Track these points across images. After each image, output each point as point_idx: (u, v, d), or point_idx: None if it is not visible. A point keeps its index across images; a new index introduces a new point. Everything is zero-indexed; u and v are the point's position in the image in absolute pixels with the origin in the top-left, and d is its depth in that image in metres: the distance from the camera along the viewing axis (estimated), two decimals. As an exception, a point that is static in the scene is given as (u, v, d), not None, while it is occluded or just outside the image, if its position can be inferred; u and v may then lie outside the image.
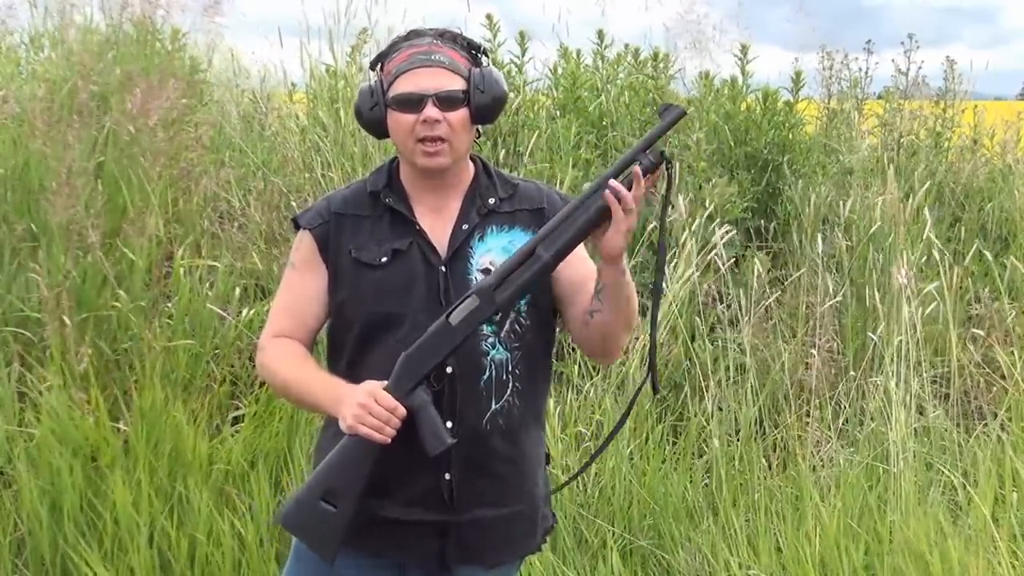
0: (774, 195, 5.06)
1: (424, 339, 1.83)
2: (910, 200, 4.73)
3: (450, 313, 1.83)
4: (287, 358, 1.96)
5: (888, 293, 4.21)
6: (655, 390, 2.05)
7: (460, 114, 1.89)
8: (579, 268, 1.97)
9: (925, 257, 4.45)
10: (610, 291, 1.89)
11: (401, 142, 1.93)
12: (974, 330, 4.45)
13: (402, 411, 1.80)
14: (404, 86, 1.88)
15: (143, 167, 3.92)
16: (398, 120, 1.90)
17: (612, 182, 1.79)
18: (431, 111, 1.87)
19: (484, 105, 1.91)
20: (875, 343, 4.16)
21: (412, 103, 1.88)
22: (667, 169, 1.86)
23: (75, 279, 3.57)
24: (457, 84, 1.89)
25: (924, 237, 4.45)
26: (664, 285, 3.95)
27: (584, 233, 1.84)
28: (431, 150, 1.90)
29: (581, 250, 1.97)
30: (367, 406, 1.79)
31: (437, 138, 1.88)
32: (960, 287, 4.48)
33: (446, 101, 1.88)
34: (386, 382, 1.83)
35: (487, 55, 1.98)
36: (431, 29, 1.95)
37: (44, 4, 4.93)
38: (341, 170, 4.49)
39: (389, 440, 1.80)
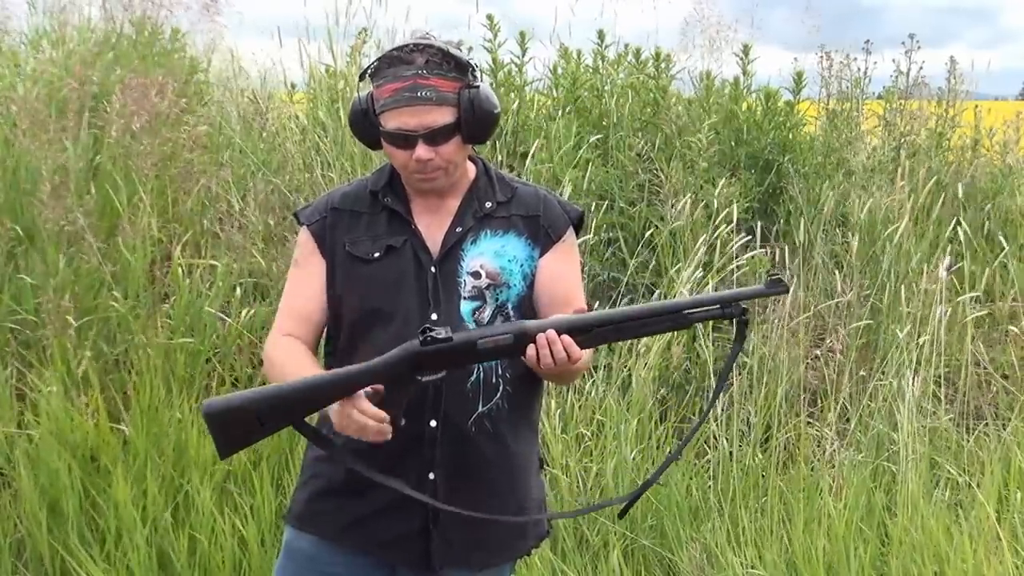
0: (775, 195, 5.05)
1: (445, 347, 1.76)
2: (914, 199, 4.74)
3: (484, 336, 1.78)
4: (289, 358, 1.94)
5: (912, 293, 4.21)
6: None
7: (452, 144, 1.88)
8: (557, 289, 1.96)
9: (934, 257, 4.46)
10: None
11: (397, 168, 1.94)
12: (1012, 328, 4.44)
13: (385, 417, 1.75)
14: (392, 123, 1.86)
15: (136, 166, 3.90)
16: (392, 151, 1.91)
17: (540, 339, 1.74)
18: (422, 152, 1.86)
19: (475, 129, 1.90)
20: (883, 343, 4.16)
21: (401, 141, 1.87)
22: (741, 327, 1.85)
23: (73, 281, 3.55)
24: (445, 117, 1.86)
25: (941, 237, 4.46)
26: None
27: (632, 336, 1.86)
28: (426, 178, 1.91)
29: (574, 277, 2.00)
30: (362, 429, 1.75)
31: (431, 170, 1.89)
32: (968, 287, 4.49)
33: (435, 137, 1.86)
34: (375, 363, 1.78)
35: (478, 70, 1.94)
36: (419, 47, 1.86)
37: (43, 4, 4.93)
38: (341, 170, 4.48)
39: (385, 438, 1.76)
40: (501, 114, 1.98)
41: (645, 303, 1.91)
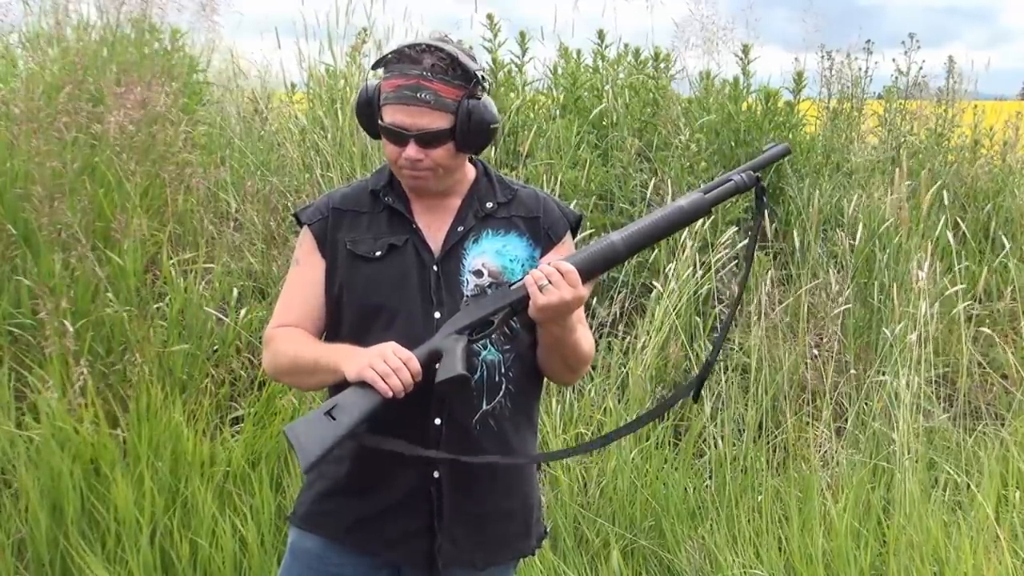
0: (775, 195, 5.05)
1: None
2: (914, 200, 4.73)
3: (512, 284, 1.87)
4: (295, 338, 1.95)
5: (902, 291, 4.20)
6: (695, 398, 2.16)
7: (443, 150, 1.89)
8: None
9: (935, 257, 4.46)
10: (542, 341, 1.93)
11: (389, 161, 1.96)
12: (984, 330, 4.44)
13: (416, 365, 1.77)
14: (389, 118, 1.89)
15: (123, 166, 3.88)
16: (386, 144, 1.93)
17: (534, 273, 1.80)
18: (412, 151, 1.87)
19: (470, 139, 1.90)
20: (879, 343, 4.16)
21: (395, 137, 1.89)
22: (759, 196, 1.94)
23: (70, 284, 3.54)
24: (441, 122, 1.87)
25: (935, 237, 4.45)
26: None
27: (660, 235, 1.89)
28: (414, 177, 1.92)
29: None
30: (382, 354, 1.77)
31: (420, 169, 1.90)
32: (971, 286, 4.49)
33: (428, 141, 1.87)
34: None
35: (485, 81, 1.95)
36: (430, 48, 1.88)
37: (40, 3, 4.93)
38: (340, 170, 4.48)
39: (391, 392, 1.75)
40: (499, 127, 1.99)
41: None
